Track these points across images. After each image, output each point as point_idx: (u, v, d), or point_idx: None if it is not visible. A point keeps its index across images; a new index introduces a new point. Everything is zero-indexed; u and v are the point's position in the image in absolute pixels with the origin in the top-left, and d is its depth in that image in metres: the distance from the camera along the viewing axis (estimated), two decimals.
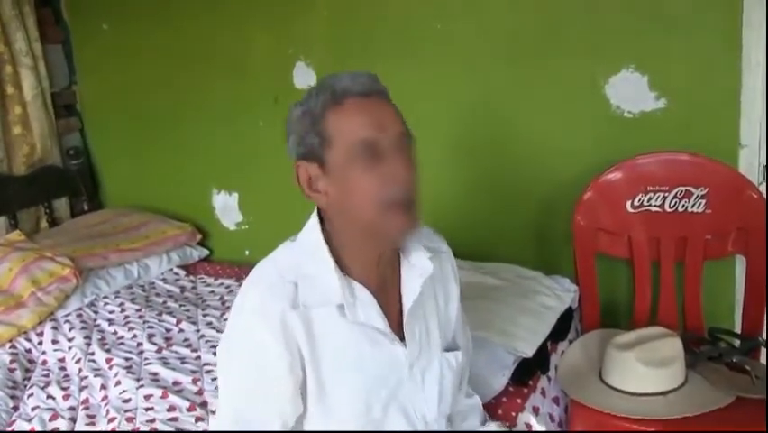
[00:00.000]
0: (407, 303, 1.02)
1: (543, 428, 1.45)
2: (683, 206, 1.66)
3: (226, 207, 2.65)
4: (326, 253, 0.97)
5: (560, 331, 1.69)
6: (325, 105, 0.94)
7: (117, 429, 1.46)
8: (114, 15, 2.73)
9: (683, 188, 1.65)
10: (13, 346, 1.89)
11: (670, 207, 1.67)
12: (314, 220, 1.01)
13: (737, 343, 1.60)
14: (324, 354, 0.95)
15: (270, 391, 0.94)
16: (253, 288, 0.97)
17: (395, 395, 1.01)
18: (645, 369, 1.42)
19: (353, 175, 0.92)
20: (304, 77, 2.29)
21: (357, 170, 0.92)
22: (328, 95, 0.94)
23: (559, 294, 1.75)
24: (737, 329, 1.69)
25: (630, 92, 1.77)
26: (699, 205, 1.64)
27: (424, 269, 1.03)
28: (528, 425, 1.44)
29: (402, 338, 1.01)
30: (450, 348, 1.12)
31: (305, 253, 0.98)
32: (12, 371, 1.77)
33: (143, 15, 2.63)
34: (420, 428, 1.04)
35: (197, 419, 1.48)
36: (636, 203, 1.70)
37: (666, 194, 1.67)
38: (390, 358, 1.00)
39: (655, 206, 1.68)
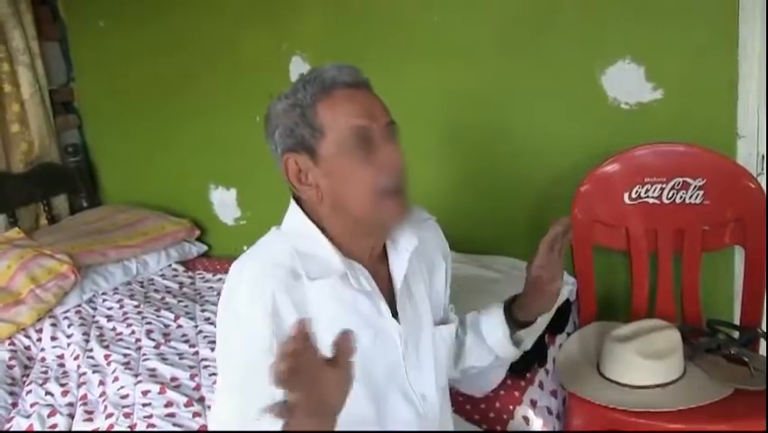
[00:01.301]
0: (398, 280, 1.03)
1: (540, 421, 1.45)
2: (681, 197, 1.65)
3: (224, 203, 2.65)
4: (319, 234, 0.98)
5: (557, 324, 1.69)
6: (315, 95, 0.95)
7: (115, 425, 1.46)
8: (110, 12, 2.73)
9: (681, 180, 1.64)
10: (12, 343, 1.90)
11: (667, 199, 1.66)
12: (295, 210, 1.02)
13: (736, 334, 1.59)
14: (320, 331, 0.93)
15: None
16: (245, 268, 0.96)
17: (394, 376, 1.02)
18: (644, 361, 1.42)
19: (347, 164, 0.94)
20: (300, 71, 2.28)
21: (350, 159, 0.94)
22: (317, 86, 0.95)
23: None
24: (736, 321, 1.69)
25: (627, 83, 1.76)
26: (697, 196, 1.64)
27: (409, 242, 1.04)
28: (526, 418, 1.44)
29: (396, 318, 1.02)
30: (443, 321, 1.13)
31: (296, 235, 0.99)
32: (10, 368, 1.77)
33: (139, 12, 2.62)
34: (419, 407, 1.04)
35: (195, 415, 1.48)
36: (634, 195, 1.69)
37: (663, 185, 1.66)
38: (385, 337, 1.01)
39: (653, 197, 1.67)
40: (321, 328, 0.89)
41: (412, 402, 1.03)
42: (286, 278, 0.93)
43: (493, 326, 1.17)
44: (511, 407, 1.44)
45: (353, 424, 0.92)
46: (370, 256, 1.02)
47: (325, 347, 0.90)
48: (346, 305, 0.98)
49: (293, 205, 1.03)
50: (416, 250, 1.05)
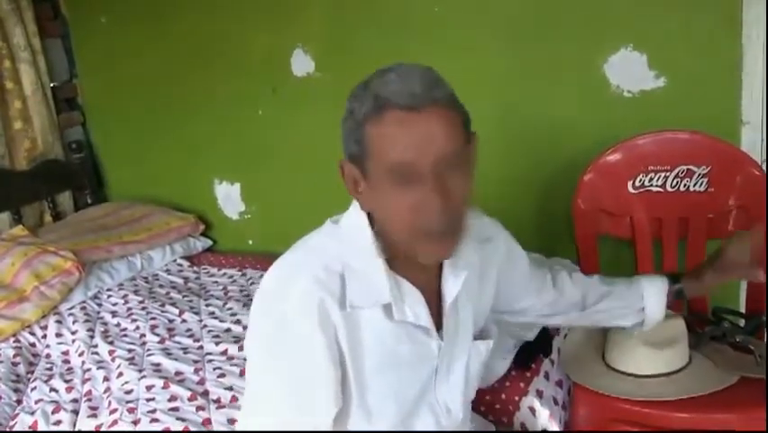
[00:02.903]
0: (448, 299, 0.98)
1: (547, 412, 1.44)
2: (685, 185, 1.64)
3: (229, 198, 2.65)
4: (375, 249, 0.92)
5: None
6: (366, 113, 0.85)
7: (119, 420, 1.47)
8: (112, 8, 2.73)
9: (685, 168, 1.63)
10: (17, 340, 1.90)
11: (671, 187, 1.65)
12: (356, 209, 0.96)
13: (741, 322, 1.58)
14: (365, 355, 0.92)
15: (321, 376, 0.89)
16: (296, 272, 0.92)
17: (424, 391, 0.99)
18: (649, 350, 1.40)
19: (388, 192, 0.87)
20: (302, 64, 2.27)
21: (391, 189, 0.86)
22: (371, 102, 0.85)
23: None
24: (741, 309, 1.67)
25: (629, 71, 1.74)
26: (701, 184, 1.62)
27: (467, 263, 0.99)
28: (532, 409, 1.43)
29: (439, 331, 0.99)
30: (481, 336, 1.09)
31: (351, 243, 0.93)
32: (15, 365, 1.78)
33: (141, 7, 2.62)
34: (443, 419, 1.02)
35: (198, 409, 1.48)
36: (638, 183, 1.68)
37: (667, 174, 1.65)
38: (426, 353, 0.98)
39: (657, 186, 1.66)
40: (364, 351, 0.92)
41: (435, 414, 1.01)
42: (337, 290, 0.90)
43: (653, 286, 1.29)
44: (517, 398, 1.43)
45: None
46: (423, 268, 0.95)
47: (372, 372, 0.93)
48: (392, 327, 0.94)
49: (356, 202, 0.96)
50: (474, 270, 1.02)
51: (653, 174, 1.67)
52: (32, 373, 1.77)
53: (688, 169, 1.63)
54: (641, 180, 1.68)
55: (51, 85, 2.78)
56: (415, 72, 0.87)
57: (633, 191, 1.69)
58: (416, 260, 0.91)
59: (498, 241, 1.12)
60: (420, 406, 0.99)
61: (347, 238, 0.94)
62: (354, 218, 0.95)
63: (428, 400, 1.00)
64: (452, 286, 0.98)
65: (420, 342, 0.97)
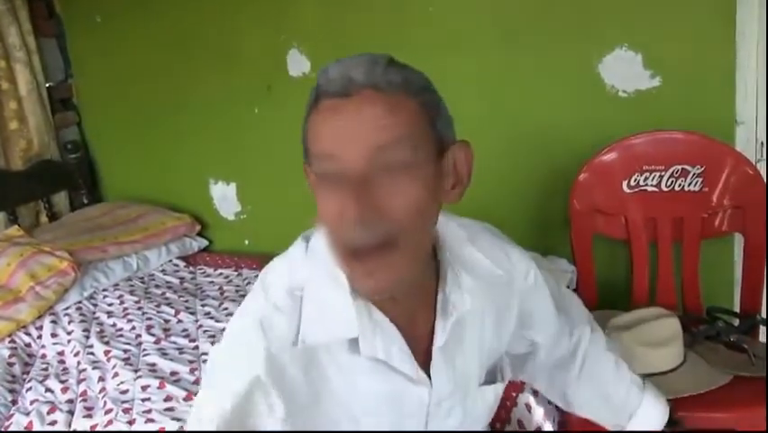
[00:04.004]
0: (437, 343, 0.83)
1: (542, 410, 1.44)
2: (680, 185, 1.64)
3: (225, 198, 2.65)
4: (341, 274, 0.76)
5: None
6: (308, 106, 0.74)
7: (114, 420, 1.47)
8: (106, 7, 2.72)
9: (679, 167, 1.63)
10: (12, 341, 1.89)
11: (666, 187, 1.65)
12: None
13: (736, 322, 1.59)
14: (329, 398, 0.79)
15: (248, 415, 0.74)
16: (259, 301, 0.80)
17: (403, 428, 0.86)
18: (643, 349, 1.41)
19: (318, 198, 0.73)
20: (297, 64, 2.27)
21: (319, 192, 0.73)
22: (312, 92, 0.74)
23: (556, 274, 1.74)
24: (736, 308, 1.68)
25: (624, 71, 1.74)
26: (696, 183, 1.63)
27: (456, 306, 0.82)
28: (528, 405, 1.44)
29: (429, 374, 0.84)
30: (492, 375, 0.96)
31: (319, 266, 0.79)
32: (11, 365, 1.77)
33: (136, 6, 2.61)
34: None
35: None
36: (632, 183, 1.68)
37: (662, 173, 1.65)
38: (411, 401, 0.84)
39: (651, 185, 1.66)
40: (331, 392, 0.78)
41: None
42: (288, 328, 0.76)
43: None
44: (514, 394, 1.43)
45: None
46: (395, 299, 0.78)
47: (338, 415, 0.79)
48: (364, 366, 0.79)
49: None
50: (469, 314, 0.85)
51: (647, 174, 1.67)
52: (28, 373, 1.76)
53: (682, 168, 1.63)
54: (636, 180, 1.68)
55: (47, 85, 2.77)
56: (362, 57, 0.71)
57: (628, 191, 1.69)
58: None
59: (517, 275, 0.94)
60: None
61: (315, 259, 0.80)
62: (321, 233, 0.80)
63: None
64: (440, 331, 0.82)
65: (399, 386, 0.82)
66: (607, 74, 1.77)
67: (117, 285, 2.25)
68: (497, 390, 0.95)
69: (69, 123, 2.93)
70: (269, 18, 2.30)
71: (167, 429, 1.41)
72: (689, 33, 1.66)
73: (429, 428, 0.87)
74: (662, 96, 1.72)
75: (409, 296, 0.80)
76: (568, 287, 1.75)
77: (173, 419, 1.44)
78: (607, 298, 1.82)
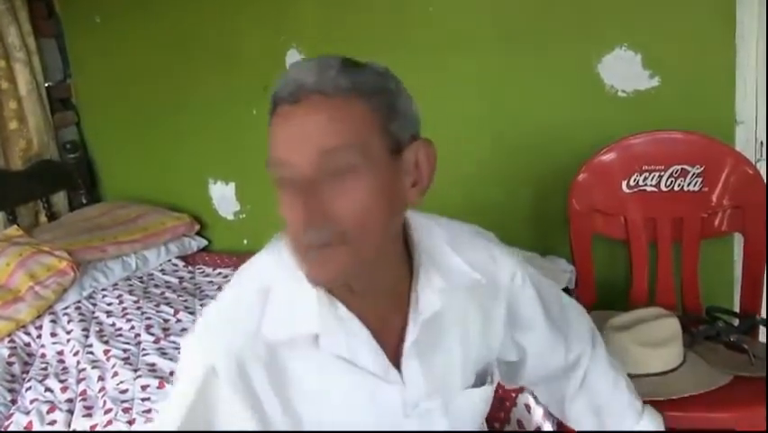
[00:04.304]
0: (408, 341, 0.83)
1: (541, 410, 1.44)
2: (679, 185, 1.64)
3: (223, 197, 2.64)
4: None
5: None
6: (269, 111, 0.76)
7: (113, 420, 1.47)
8: (106, 8, 2.72)
9: (679, 167, 1.63)
10: (11, 341, 1.89)
11: (665, 187, 1.65)
12: None
13: (736, 322, 1.59)
14: (302, 399, 0.80)
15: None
16: (227, 299, 0.84)
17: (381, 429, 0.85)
18: (642, 350, 1.41)
19: (280, 201, 0.76)
20: None
21: (279, 196, 0.75)
22: (272, 98, 0.75)
23: (555, 274, 1.74)
24: (736, 308, 1.68)
25: (624, 71, 1.75)
26: (696, 183, 1.63)
27: (426, 305, 0.83)
28: (528, 406, 1.43)
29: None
30: (481, 378, 0.95)
31: (287, 266, 0.80)
32: (10, 364, 1.77)
33: (135, 7, 2.61)
34: None
35: None
36: (632, 183, 1.68)
37: (662, 173, 1.65)
38: (385, 401, 0.83)
39: (651, 185, 1.66)
40: (304, 390, 0.80)
41: None
42: (253, 326, 0.78)
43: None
44: (514, 394, 1.43)
45: None
46: (362, 295, 0.80)
47: (309, 415, 0.79)
48: (330, 363, 0.80)
49: None
50: (440, 315, 0.85)
51: (647, 174, 1.67)
52: (27, 372, 1.76)
53: (682, 168, 1.63)
54: (635, 180, 1.68)
55: (46, 85, 2.77)
56: (315, 61, 0.73)
57: (627, 191, 1.69)
58: (364, 293, 0.80)
59: (503, 277, 0.94)
60: None
61: (282, 260, 0.81)
62: None
63: None
64: (411, 330, 0.83)
65: (371, 386, 0.82)
66: (606, 74, 1.77)
67: (116, 285, 2.25)
68: (484, 393, 0.94)
69: (68, 123, 2.93)
70: (268, 19, 2.31)
71: None
72: (688, 33, 1.67)
73: (409, 428, 0.86)
74: (661, 95, 1.73)
75: (378, 294, 0.82)
76: (567, 287, 1.75)
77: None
78: (606, 298, 1.82)
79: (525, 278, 0.96)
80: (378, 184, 0.72)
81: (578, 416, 1.11)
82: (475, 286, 0.89)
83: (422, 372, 0.85)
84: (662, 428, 1.09)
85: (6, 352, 1.83)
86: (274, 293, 0.80)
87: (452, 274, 0.86)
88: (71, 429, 1.50)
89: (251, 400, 0.77)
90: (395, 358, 0.83)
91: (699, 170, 1.62)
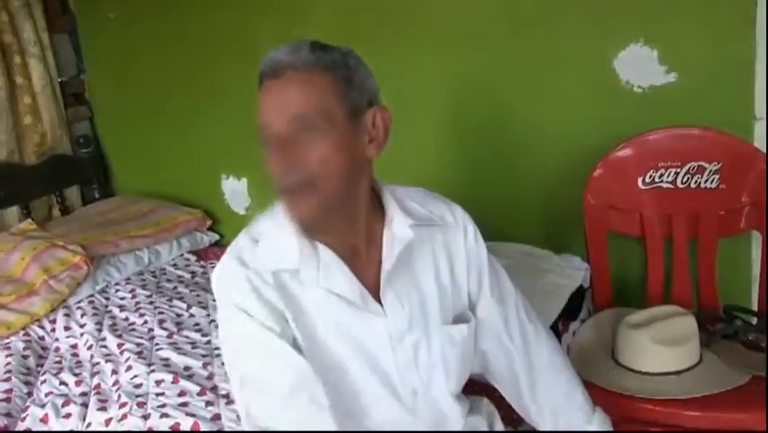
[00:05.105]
0: (384, 271, 0.99)
1: None
2: (696, 182, 1.62)
3: (235, 192, 2.65)
4: (283, 215, 0.98)
5: (571, 310, 1.67)
6: (258, 86, 0.95)
7: (128, 414, 1.47)
8: (120, 4, 2.73)
9: (696, 164, 1.62)
10: (26, 334, 1.90)
11: (682, 183, 1.64)
12: None
13: (754, 320, 1.57)
14: (302, 314, 0.96)
15: (272, 346, 0.93)
16: (227, 254, 1.00)
17: (376, 367, 0.99)
18: (659, 348, 1.40)
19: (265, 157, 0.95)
20: None
21: (265, 153, 0.95)
22: (259, 75, 0.95)
23: (569, 272, 1.73)
24: (753, 306, 1.66)
25: (640, 66, 1.73)
26: (713, 180, 1.61)
27: (401, 237, 1.00)
28: None
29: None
30: (459, 320, 1.07)
31: (276, 216, 0.99)
32: (25, 358, 1.78)
33: (149, 3, 2.62)
34: (408, 402, 1.01)
35: (208, 404, 1.48)
36: (648, 179, 1.67)
37: (678, 170, 1.63)
38: (366, 328, 0.99)
39: (667, 182, 1.65)
40: (302, 314, 0.96)
41: (399, 396, 1.00)
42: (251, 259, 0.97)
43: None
44: None
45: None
46: (339, 233, 0.99)
47: (311, 331, 0.96)
48: (317, 295, 0.97)
49: None
50: (428, 246, 1.04)
51: (663, 170, 1.66)
52: (42, 366, 1.77)
53: (699, 165, 1.61)
54: (651, 176, 1.67)
55: (59, 80, 2.78)
56: (290, 44, 0.92)
57: (643, 187, 1.68)
58: (335, 229, 0.98)
59: (460, 226, 1.09)
60: (374, 385, 0.99)
61: (274, 213, 1.01)
62: None
63: (389, 383, 1.00)
64: (386, 260, 1.00)
65: (355, 318, 0.98)
66: (622, 69, 1.75)
67: (129, 279, 2.26)
68: (461, 330, 1.06)
69: (82, 117, 2.94)
70: (281, 13, 2.30)
71: (181, 425, 1.41)
72: (706, 28, 1.65)
73: (398, 365, 1.00)
74: (678, 91, 1.71)
75: (354, 234, 1.00)
76: (582, 285, 1.74)
77: (188, 414, 1.43)
78: (621, 295, 1.81)
79: (477, 233, 1.11)
80: (337, 140, 0.91)
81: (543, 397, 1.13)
82: (437, 225, 1.06)
83: (399, 302, 1.00)
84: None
85: (21, 345, 1.84)
86: (265, 237, 0.98)
87: (418, 215, 1.04)
88: (86, 423, 1.50)
89: (274, 315, 0.94)
90: (375, 292, 0.99)
91: (716, 167, 1.60)
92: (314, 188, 0.91)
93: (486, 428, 1.14)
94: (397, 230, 1.01)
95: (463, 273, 1.09)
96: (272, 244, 0.97)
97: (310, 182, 0.90)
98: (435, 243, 1.06)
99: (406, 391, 1.01)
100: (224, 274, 0.98)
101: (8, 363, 1.74)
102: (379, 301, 0.99)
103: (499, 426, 1.18)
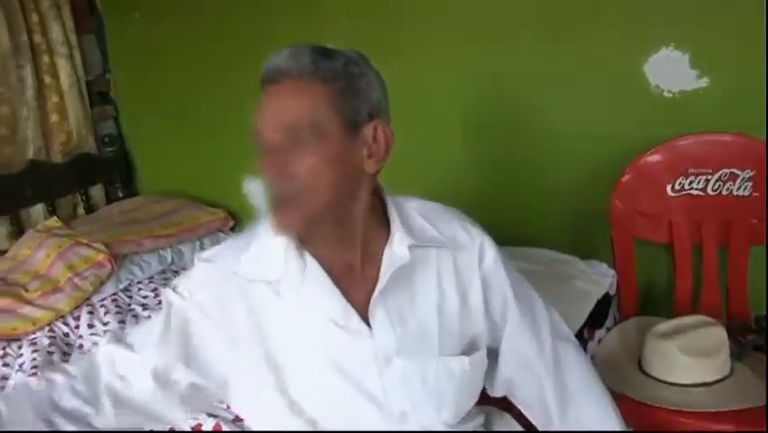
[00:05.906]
0: (376, 291, 0.93)
1: None
2: (728, 189, 1.60)
3: (259, 193, 2.64)
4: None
5: (597, 317, 1.65)
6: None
7: None
8: (145, 4, 2.75)
9: (728, 171, 1.59)
10: (51, 330, 1.92)
11: (713, 191, 1.61)
12: None
13: None
14: (269, 329, 0.94)
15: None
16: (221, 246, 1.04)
17: (359, 385, 0.93)
18: (688, 359, 1.37)
19: None
20: None
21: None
22: (261, 77, 0.92)
23: (595, 279, 1.70)
24: None
25: (670, 71, 1.70)
26: (746, 188, 1.58)
27: (397, 258, 0.93)
28: None
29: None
30: (469, 349, 1.00)
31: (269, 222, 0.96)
32: (50, 354, 1.80)
33: (174, 3, 2.64)
34: (395, 423, 0.94)
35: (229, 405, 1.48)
36: (677, 186, 1.64)
37: (709, 177, 1.61)
38: (348, 347, 0.93)
39: (697, 189, 1.62)
40: (270, 326, 0.94)
41: (385, 413, 0.94)
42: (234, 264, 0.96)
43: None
44: None
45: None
46: (329, 248, 0.94)
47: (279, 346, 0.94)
48: (294, 308, 0.94)
49: None
50: (415, 267, 0.95)
51: (693, 177, 1.64)
52: (66, 362, 1.78)
53: (731, 172, 1.59)
54: (681, 183, 1.65)
55: (86, 79, 2.81)
56: (289, 49, 0.90)
57: (672, 194, 1.65)
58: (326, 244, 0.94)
59: (475, 248, 1.01)
60: (358, 403, 0.93)
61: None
62: None
63: (374, 400, 0.93)
64: (381, 279, 0.93)
65: (339, 337, 0.92)
66: (652, 74, 1.73)
67: (152, 278, 2.27)
68: (462, 362, 0.97)
69: (107, 116, 2.96)
70: (305, 13, 2.30)
71: (203, 425, 1.41)
72: (738, 32, 1.61)
73: (385, 387, 0.93)
74: (709, 97, 1.68)
75: (343, 247, 0.95)
76: (608, 293, 1.71)
77: (210, 415, 1.43)
78: (647, 303, 1.78)
79: (497, 256, 1.02)
80: (329, 153, 0.87)
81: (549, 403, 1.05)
82: (446, 247, 0.99)
83: (389, 323, 0.94)
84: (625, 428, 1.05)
85: (47, 341, 1.85)
86: (256, 243, 0.96)
87: (422, 235, 0.97)
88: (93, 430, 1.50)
89: (223, 321, 0.94)
90: (366, 311, 0.93)
91: (749, 175, 1.57)
92: (299, 200, 0.87)
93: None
94: (397, 249, 0.95)
95: (479, 298, 1.01)
96: (260, 251, 0.95)
97: (296, 195, 0.87)
98: (443, 266, 0.99)
99: (394, 411, 0.94)
100: (188, 271, 1.03)
101: (34, 359, 1.76)
102: (368, 320, 0.93)
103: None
